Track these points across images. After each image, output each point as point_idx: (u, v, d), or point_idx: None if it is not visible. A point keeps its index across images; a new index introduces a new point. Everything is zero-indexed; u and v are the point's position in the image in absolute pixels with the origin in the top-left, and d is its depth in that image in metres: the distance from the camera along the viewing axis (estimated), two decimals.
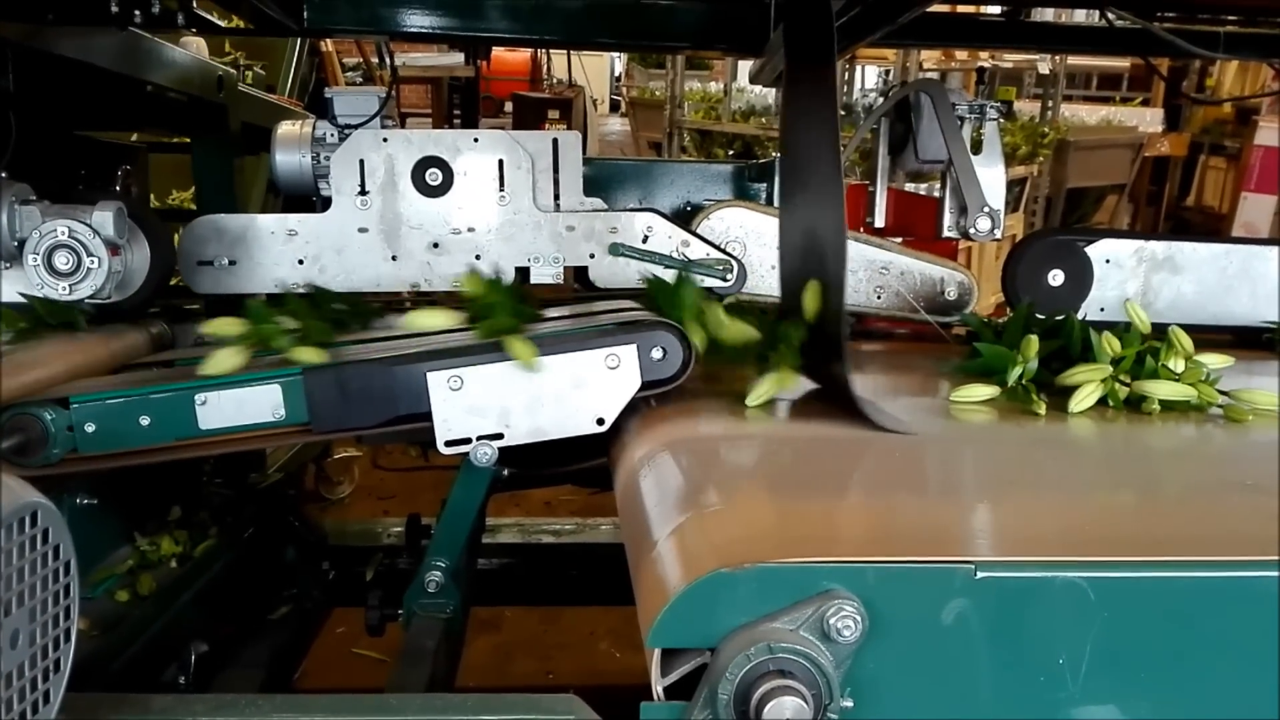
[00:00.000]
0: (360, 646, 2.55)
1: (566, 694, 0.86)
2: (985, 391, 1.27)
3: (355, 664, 2.56)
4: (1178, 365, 1.28)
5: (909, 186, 2.01)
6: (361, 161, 1.58)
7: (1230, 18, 1.99)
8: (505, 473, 1.38)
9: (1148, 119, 8.40)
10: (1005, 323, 1.50)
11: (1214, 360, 1.30)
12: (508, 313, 1.26)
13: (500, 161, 1.60)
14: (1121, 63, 8.82)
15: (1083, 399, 1.24)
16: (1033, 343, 1.30)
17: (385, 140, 1.58)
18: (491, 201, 1.60)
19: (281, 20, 1.71)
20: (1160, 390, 1.24)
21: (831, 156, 1.23)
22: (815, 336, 1.23)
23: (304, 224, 1.59)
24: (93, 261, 1.37)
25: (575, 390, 1.20)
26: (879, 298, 1.69)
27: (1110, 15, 1.83)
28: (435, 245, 1.61)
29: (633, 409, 1.22)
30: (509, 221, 1.61)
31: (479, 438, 1.21)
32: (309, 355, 1.22)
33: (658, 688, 0.76)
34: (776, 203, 1.80)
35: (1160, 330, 1.36)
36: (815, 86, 1.29)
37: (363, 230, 1.59)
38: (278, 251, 1.58)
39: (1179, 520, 0.91)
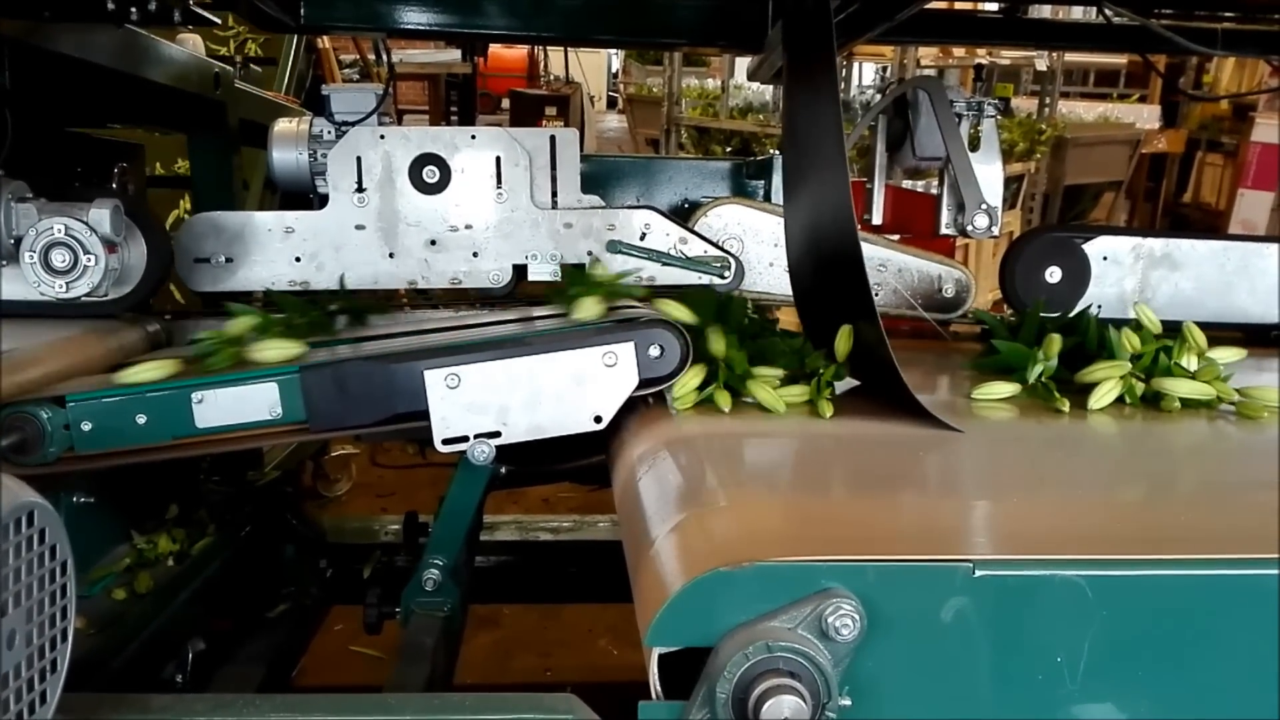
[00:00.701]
0: (358, 644, 2.55)
1: (565, 693, 0.86)
2: (1006, 389, 1.27)
3: (353, 662, 2.56)
4: (1190, 362, 1.28)
5: (906, 184, 2.01)
6: (359, 159, 1.58)
7: (1228, 14, 1.98)
8: (503, 470, 1.38)
9: (1145, 115, 8.40)
10: (1019, 321, 1.51)
11: (1226, 355, 1.30)
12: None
13: (498, 159, 1.60)
14: (1119, 59, 8.83)
15: (1103, 395, 1.24)
16: (1055, 341, 1.30)
17: (382, 137, 1.58)
18: (489, 199, 1.60)
19: (279, 17, 1.71)
20: (1180, 388, 1.25)
21: (835, 141, 1.23)
22: (857, 335, 1.24)
23: (301, 221, 1.59)
24: (89, 259, 1.36)
25: (573, 388, 1.20)
26: (876, 295, 1.69)
27: (1108, 12, 1.83)
28: (433, 242, 1.60)
29: (631, 407, 1.22)
30: (506, 219, 1.61)
31: (476, 436, 1.20)
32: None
33: (656, 686, 0.76)
34: (775, 200, 1.80)
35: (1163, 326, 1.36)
36: (816, 74, 1.30)
37: (360, 227, 1.59)
38: (275, 249, 1.58)
39: (1213, 519, 0.91)
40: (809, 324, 1.40)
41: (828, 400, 1.19)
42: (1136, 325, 1.38)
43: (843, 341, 1.24)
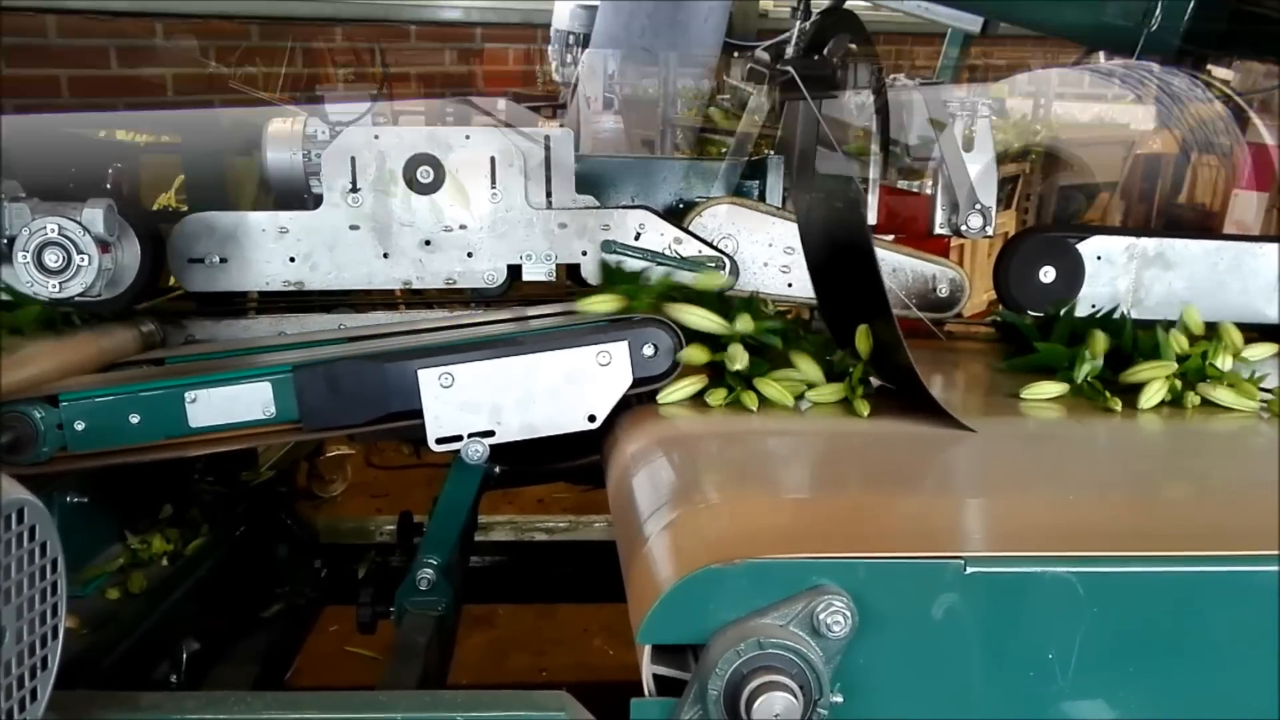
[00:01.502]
0: (353, 645, 2.54)
1: (558, 690, 0.86)
2: (1055, 388, 1.28)
3: (348, 662, 2.55)
4: (1225, 362, 1.29)
5: (901, 183, 2.01)
6: (353, 159, 1.57)
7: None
8: (497, 470, 1.38)
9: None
10: (1052, 321, 1.52)
11: (1259, 352, 1.31)
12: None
13: (492, 159, 1.60)
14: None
15: (1151, 395, 1.25)
16: (1100, 338, 1.31)
17: (377, 137, 1.58)
18: (483, 199, 1.60)
19: None
20: (1224, 398, 1.26)
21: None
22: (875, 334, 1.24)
23: (295, 221, 1.58)
24: (83, 259, 1.36)
25: (567, 387, 1.20)
26: None
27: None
28: (427, 243, 1.60)
29: (625, 405, 1.22)
30: (501, 219, 1.61)
31: (470, 435, 1.20)
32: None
33: (649, 684, 0.76)
34: (769, 200, 1.80)
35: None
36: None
37: (354, 227, 1.59)
38: (269, 249, 1.58)
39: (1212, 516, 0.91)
40: (833, 324, 1.40)
41: (863, 399, 1.19)
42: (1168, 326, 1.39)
43: (862, 341, 1.24)
